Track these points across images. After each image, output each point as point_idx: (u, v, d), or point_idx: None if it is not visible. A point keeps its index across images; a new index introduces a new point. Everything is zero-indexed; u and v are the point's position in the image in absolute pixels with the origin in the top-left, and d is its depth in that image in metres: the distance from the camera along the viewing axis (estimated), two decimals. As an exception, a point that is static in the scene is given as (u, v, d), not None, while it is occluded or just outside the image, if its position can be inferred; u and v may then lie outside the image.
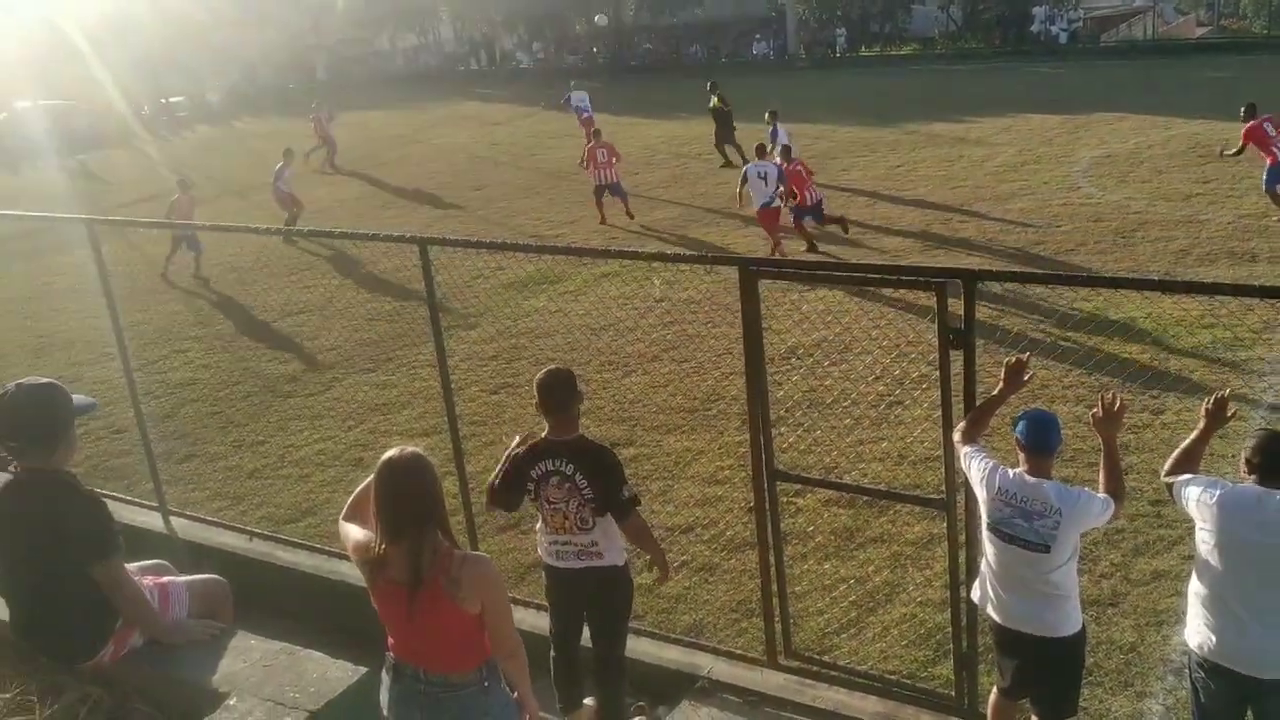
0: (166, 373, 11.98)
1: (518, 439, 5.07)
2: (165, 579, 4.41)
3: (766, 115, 19.20)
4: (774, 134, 18.27)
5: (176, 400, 11.14)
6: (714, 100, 22.34)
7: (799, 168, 15.03)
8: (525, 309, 12.95)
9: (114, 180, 28.72)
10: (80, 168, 31.91)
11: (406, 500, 3.49)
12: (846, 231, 15.11)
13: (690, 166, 22.53)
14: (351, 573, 3.68)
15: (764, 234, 15.14)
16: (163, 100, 47.51)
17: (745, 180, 15.21)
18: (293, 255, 14.54)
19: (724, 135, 22.17)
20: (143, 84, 47.48)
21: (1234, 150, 15.16)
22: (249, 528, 7.77)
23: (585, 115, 25.43)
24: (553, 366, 4.97)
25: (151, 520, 7.75)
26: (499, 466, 5.11)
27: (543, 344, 11.52)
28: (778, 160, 15.05)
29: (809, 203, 14.73)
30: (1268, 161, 14.38)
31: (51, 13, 46.19)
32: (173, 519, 7.77)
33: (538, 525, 5.16)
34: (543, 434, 4.93)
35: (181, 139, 39.71)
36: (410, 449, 3.59)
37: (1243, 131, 14.94)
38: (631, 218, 17.59)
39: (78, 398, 4.22)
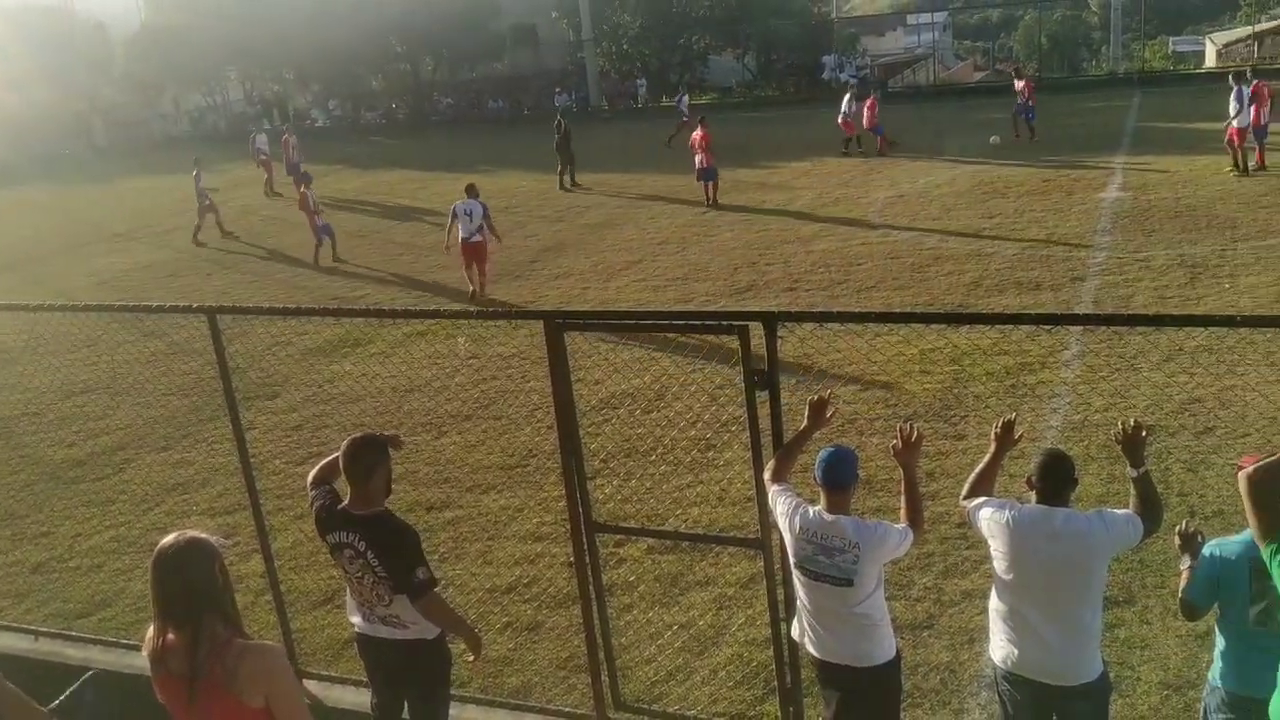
0: (-66, 466, 11.01)
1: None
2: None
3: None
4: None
5: (-54, 496, 10.24)
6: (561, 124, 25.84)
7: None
8: (330, 374, 12.54)
9: None
10: None
11: (179, 589, 3.34)
12: None
13: (497, 220, 22.22)
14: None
15: (468, 270, 16.12)
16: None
17: (454, 217, 16.08)
18: (72, 331, 13.64)
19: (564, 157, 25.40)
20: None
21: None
22: (34, 626, 7.20)
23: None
24: (357, 434, 4.72)
25: (-82, 631, 7.08)
26: (324, 464, 4.92)
27: (350, 409, 11.18)
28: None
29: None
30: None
31: None
32: (-56, 627, 7.11)
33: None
34: (345, 500, 4.69)
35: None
36: (189, 534, 3.44)
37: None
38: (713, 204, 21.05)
39: None
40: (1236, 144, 18.75)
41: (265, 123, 47.87)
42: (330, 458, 4.90)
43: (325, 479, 4.85)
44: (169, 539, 3.40)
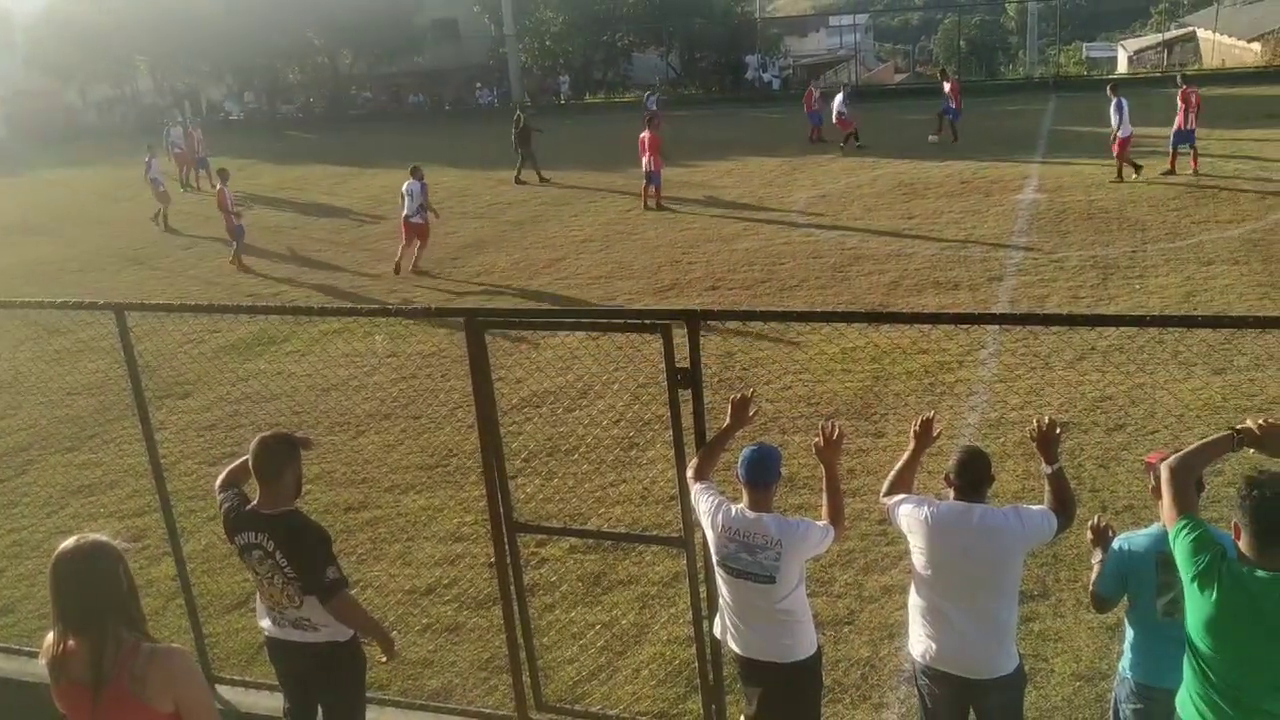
0: None
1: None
2: None
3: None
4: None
5: None
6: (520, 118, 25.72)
7: None
8: (244, 373, 12.22)
9: None
10: None
11: (81, 594, 3.26)
12: None
13: (419, 217, 22.17)
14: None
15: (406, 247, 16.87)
16: None
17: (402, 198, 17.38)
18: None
19: (524, 152, 25.07)
20: None
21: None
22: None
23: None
24: (267, 432, 4.64)
25: None
26: (233, 467, 4.82)
27: (266, 409, 10.92)
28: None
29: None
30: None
31: None
32: None
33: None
34: (254, 501, 4.60)
35: None
36: (91, 537, 3.35)
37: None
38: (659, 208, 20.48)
39: None
40: (1120, 154, 18.94)
41: (179, 115, 46.70)
42: (239, 461, 4.81)
43: (234, 482, 4.76)
44: (69, 543, 3.31)
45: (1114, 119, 18.89)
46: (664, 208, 20.55)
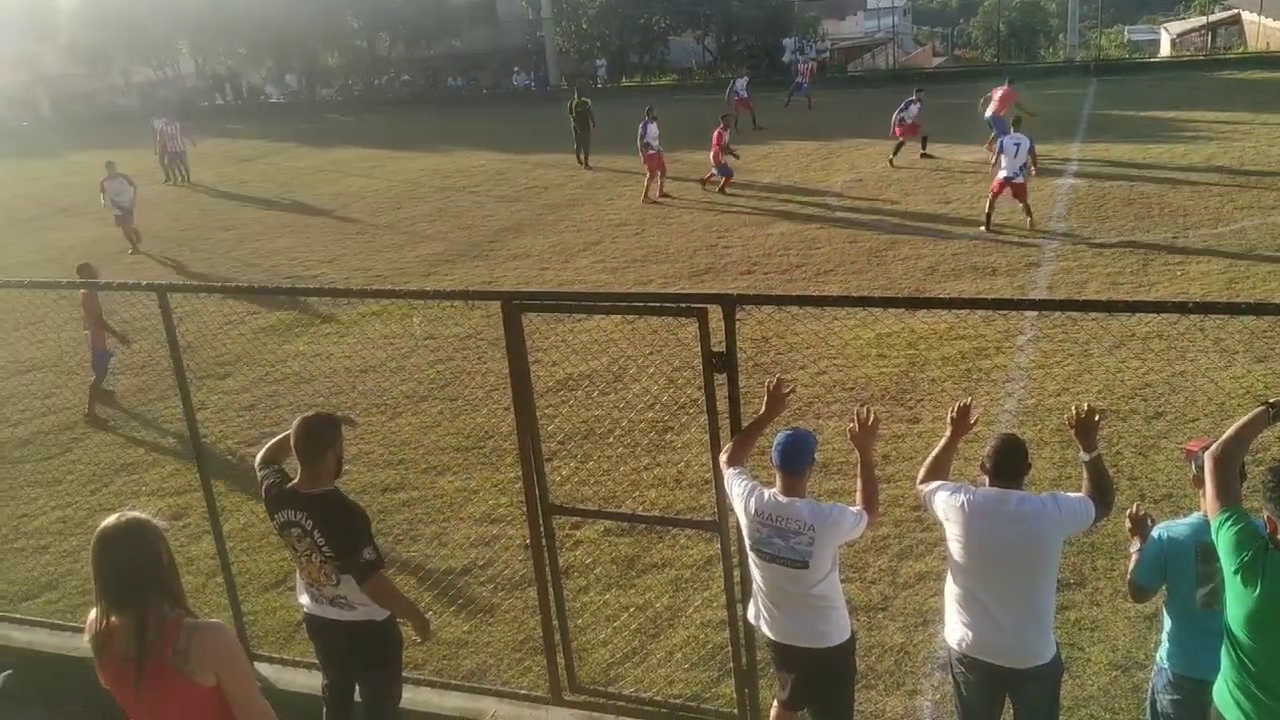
0: (-127, 445, 10.74)
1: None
2: None
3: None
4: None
5: (-114, 476, 9.99)
6: (579, 102, 25.81)
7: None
8: (284, 354, 12.37)
9: None
10: None
11: (123, 570, 3.30)
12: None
13: (454, 199, 22.29)
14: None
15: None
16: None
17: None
18: (20, 309, 13.35)
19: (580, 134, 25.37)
20: None
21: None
22: (-21, 608, 7.05)
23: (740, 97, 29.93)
24: (310, 413, 4.68)
25: None
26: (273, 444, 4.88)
27: (304, 390, 11.03)
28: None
29: None
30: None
31: None
32: (-118, 610, 6.94)
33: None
34: (294, 479, 4.63)
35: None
36: (130, 514, 3.39)
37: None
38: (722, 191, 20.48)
39: None
40: (1024, 199, 15.63)
41: (218, 97, 47.07)
42: (279, 438, 4.85)
43: (274, 459, 4.80)
44: (111, 520, 3.35)
45: (1006, 157, 15.62)
46: (726, 191, 20.24)
